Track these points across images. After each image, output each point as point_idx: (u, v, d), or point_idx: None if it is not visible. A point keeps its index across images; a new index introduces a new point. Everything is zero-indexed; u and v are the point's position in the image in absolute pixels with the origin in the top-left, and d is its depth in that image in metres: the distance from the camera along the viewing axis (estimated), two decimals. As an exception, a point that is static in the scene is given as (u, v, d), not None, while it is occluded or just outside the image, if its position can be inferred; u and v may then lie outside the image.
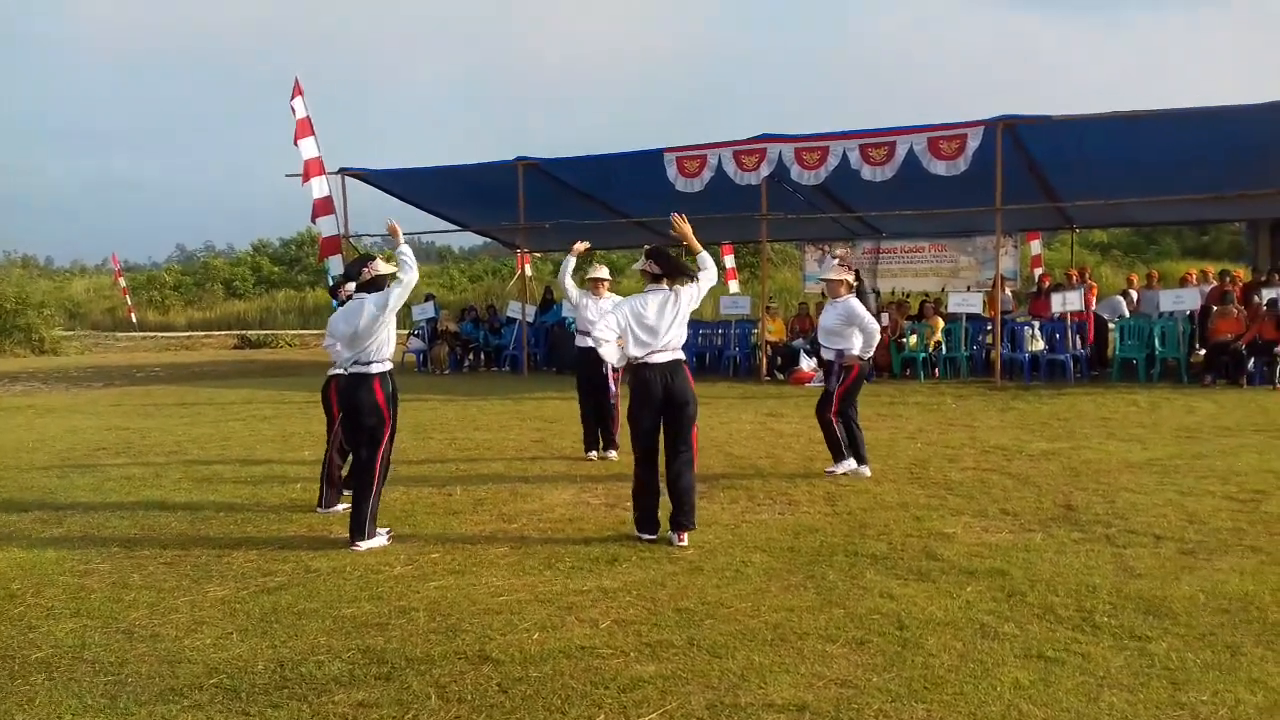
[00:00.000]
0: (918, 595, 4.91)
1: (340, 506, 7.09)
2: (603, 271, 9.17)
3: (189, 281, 51.68)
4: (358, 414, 6.30)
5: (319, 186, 18.08)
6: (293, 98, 17.93)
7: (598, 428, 9.12)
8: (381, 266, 6.39)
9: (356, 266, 6.46)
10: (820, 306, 18.44)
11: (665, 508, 6.12)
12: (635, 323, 6.06)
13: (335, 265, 18.63)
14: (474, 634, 4.53)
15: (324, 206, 18.15)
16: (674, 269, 6.20)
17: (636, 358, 6.06)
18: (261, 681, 4.07)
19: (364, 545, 6.10)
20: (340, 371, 6.80)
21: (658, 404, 6.03)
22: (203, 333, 39.54)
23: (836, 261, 8.30)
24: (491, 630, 4.56)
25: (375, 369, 6.26)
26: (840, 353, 7.95)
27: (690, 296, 6.18)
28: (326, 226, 18.32)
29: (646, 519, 6.13)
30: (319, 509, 7.15)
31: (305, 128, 17.96)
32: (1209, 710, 3.55)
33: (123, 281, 42.79)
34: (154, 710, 3.82)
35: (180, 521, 6.93)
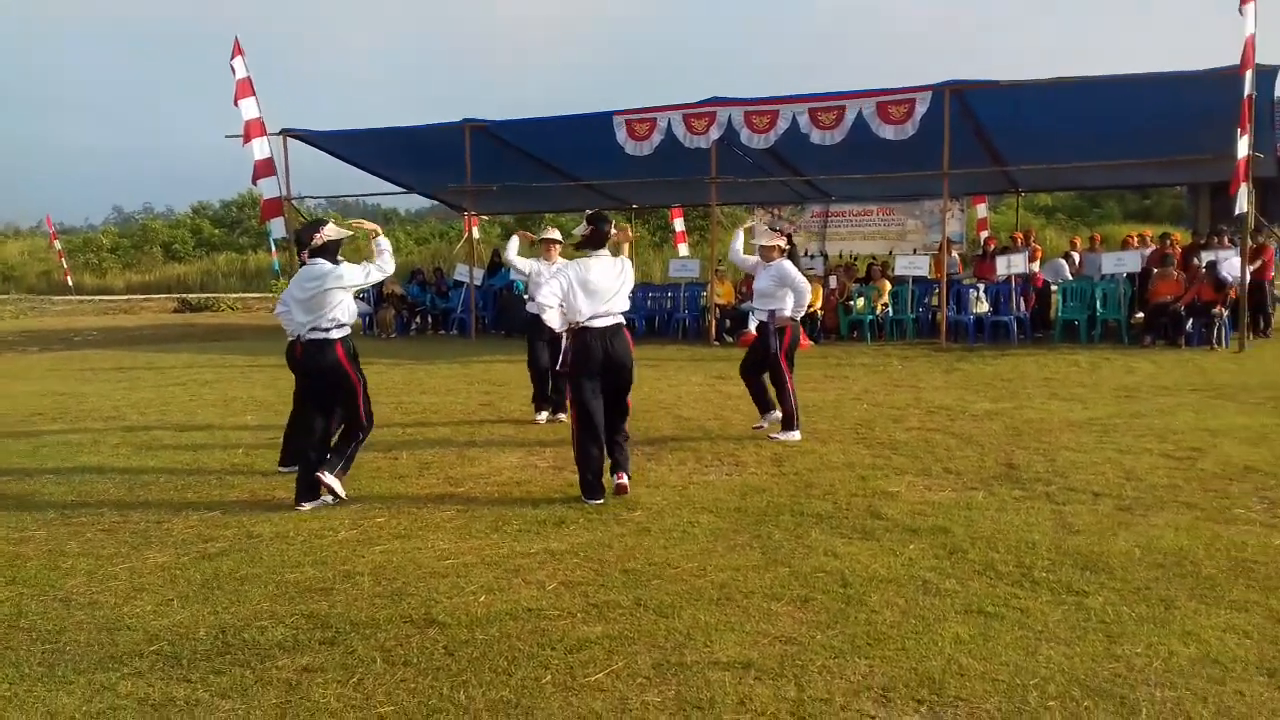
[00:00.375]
0: (861, 553, 4.96)
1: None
2: (554, 233, 9.08)
3: (127, 244, 50.50)
4: (322, 379, 6.28)
5: (260, 148, 17.76)
6: (232, 57, 17.55)
7: (548, 388, 9.07)
8: (331, 231, 6.31)
9: (307, 233, 6.34)
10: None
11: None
12: (579, 287, 6.11)
13: (277, 228, 18.37)
14: (420, 597, 4.50)
15: (265, 168, 17.83)
16: (605, 237, 6.29)
17: (579, 322, 6.13)
18: (203, 648, 4.01)
19: (327, 477, 6.14)
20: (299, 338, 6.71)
21: (598, 367, 6.13)
22: (142, 296, 38.75)
23: (765, 226, 8.43)
24: (438, 593, 4.54)
25: (335, 334, 6.22)
26: (772, 314, 7.98)
27: (630, 279, 6.33)
28: (268, 188, 18.02)
29: (593, 485, 6.15)
30: (280, 468, 7.10)
31: (245, 88, 17.60)
32: (1143, 662, 3.63)
33: (58, 244, 41.67)
34: (93, 679, 3.75)
35: (119, 488, 6.81)
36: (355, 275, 6.23)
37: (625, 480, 6.22)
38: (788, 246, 8.32)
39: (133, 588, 4.76)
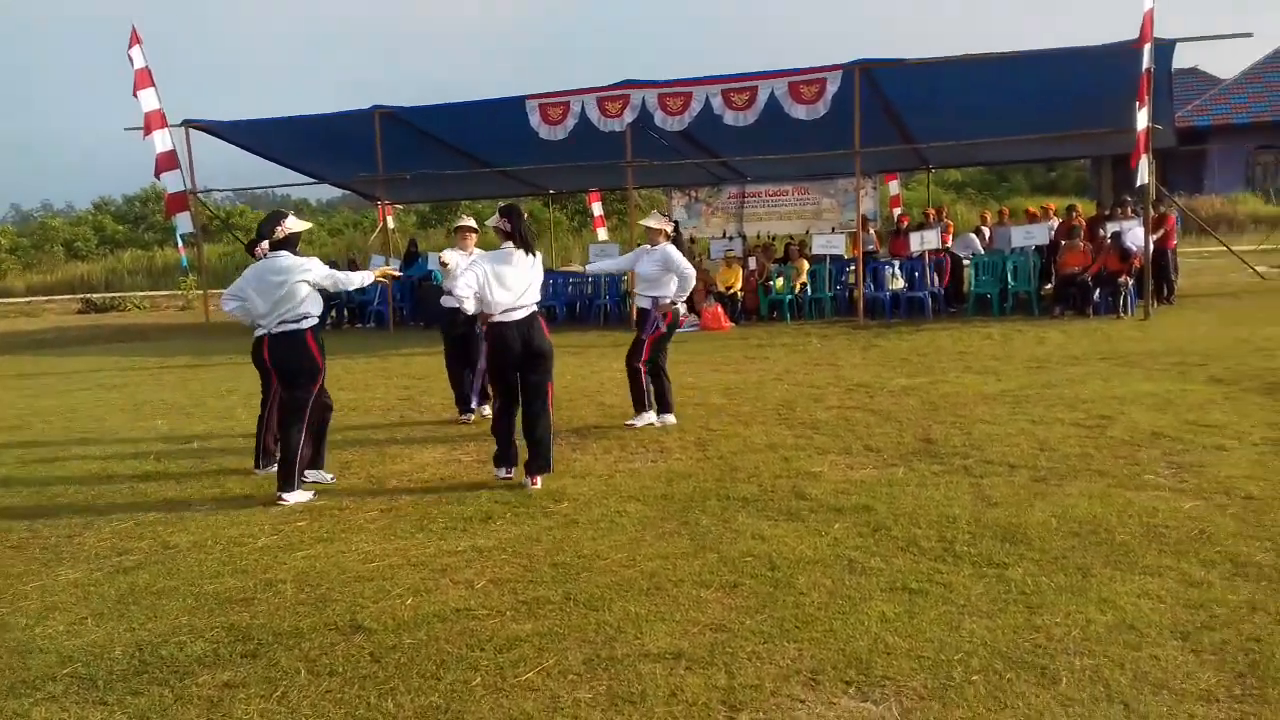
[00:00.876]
0: (788, 535, 5.01)
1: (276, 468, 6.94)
2: (469, 221, 8.92)
3: (26, 244, 48.73)
4: (295, 369, 6.28)
5: (161, 140, 17.26)
6: (130, 46, 16.98)
7: (472, 386, 8.90)
8: (293, 224, 6.36)
9: (270, 224, 6.34)
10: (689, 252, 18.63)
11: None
12: (495, 280, 6.18)
13: (183, 223, 17.88)
14: (344, 603, 4.42)
15: (167, 161, 17.34)
16: (522, 235, 6.34)
17: (493, 316, 6.23)
18: (120, 668, 3.89)
19: (290, 498, 6.14)
20: (266, 332, 6.69)
21: (516, 358, 6.26)
22: (44, 298, 37.43)
23: (656, 211, 8.44)
24: (363, 598, 4.46)
25: (307, 324, 6.27)
26: (655, 300, 7.97)
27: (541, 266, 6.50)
28: (171, 182, 17.53)
29: (503, 455, 6.38)
30: (255, 470, 7.00)
31: (145, 78, 17.08)
32: (1062, 631, 3.73)
33: (-48, 246, 40.05)
34: (4, 706, 3.61)
35: (26, 501, 6.57)
36: (320, 272, 6.27)
37: (537, 485, 6.22)
38: (673, 233, 8.35)
39: (45, 607, 4.60)
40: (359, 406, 9.61)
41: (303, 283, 6.20)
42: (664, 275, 7.93)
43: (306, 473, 6.47)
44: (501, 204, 6.72)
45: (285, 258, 6.24)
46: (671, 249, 8.00)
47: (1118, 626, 3.75)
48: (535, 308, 6.34)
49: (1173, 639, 3.63)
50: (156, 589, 4.74)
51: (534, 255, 6.37)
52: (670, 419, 7.96)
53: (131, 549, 5.40)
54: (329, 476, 6.71)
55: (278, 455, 6.42)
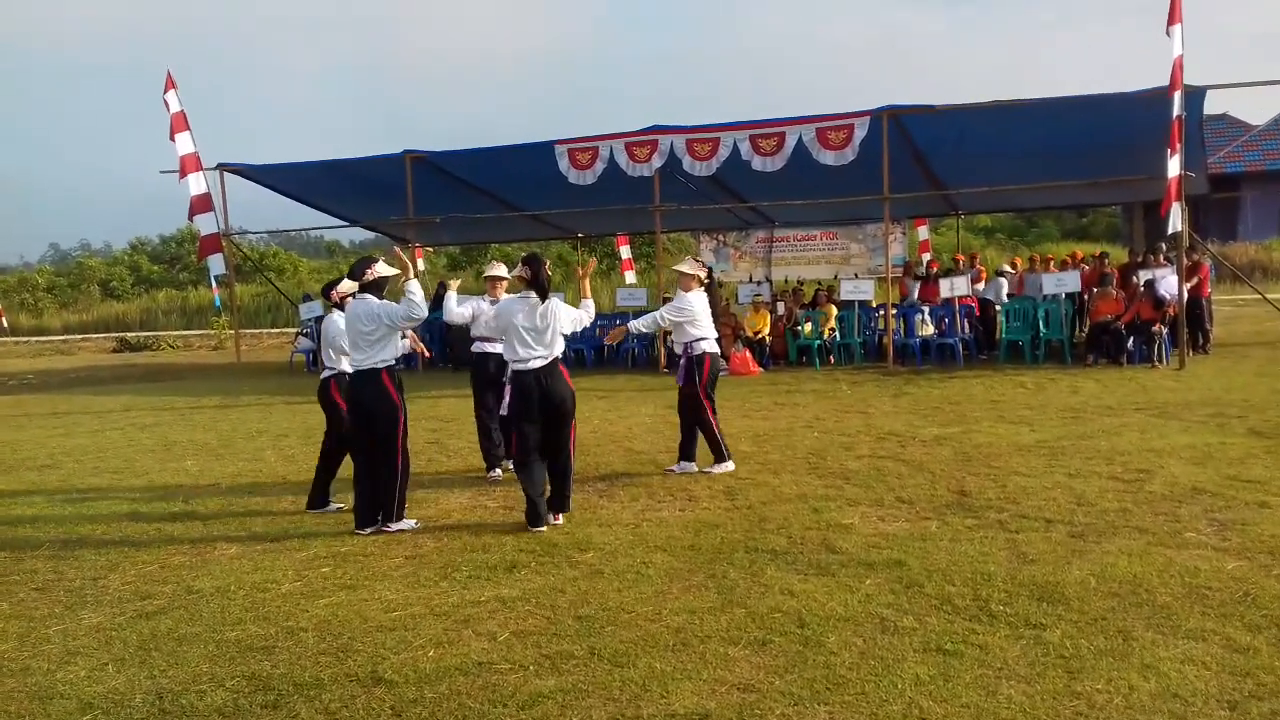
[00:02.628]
0: (818, 591, 4.90)
1: (332, 508, 7.16)
2: (500, 269, 8.90)
3: (63, 283, 49.45)
4: (370, 409, 6.40)
5: (196, 183, 17.48)
6: (165, 91, 17.27)
7: (500, 440, 8.73)
8: (382, 269, 6.53)
9: (360, 268, 6.52)
10: (726, 298, 18.60)
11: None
12: (508, 328, 6.41)
13: (215, 264, 18.04)
14: (366, 654, 4.35)
15: (202, 204, 17.54)
16: (540, 283, 6.46)
17: (511, 363, 6.41)
18: (139, 716, 3.85)
19: (394, 526, 6.39)
20: (335, 372, 7.16)
21: (536, 406, 6.35)
22: (79, 336, 37.87)
23: (689, 256, 8.42)
24: (384, 649, 4.39)
25: (382, 363, 6.40)
26: (689, 345, 7.90)
27: (570, 317, 6.59)
28: (205, 224, 17.72)
29: (537, 513, 6.31)
30: (309, 509, 7.15)
31: (180, 122, 17.33)
32: (1104, 699, 3.60)
33: (-9, 285, 40.69)
34: (19, 755, 3.57)
35: (53, 542, 6.56)
36: (397, 316, 6.36)
37: (559, 521, 6.39)
38: (707, 278, 8.33)
39: (66, 651, 4.57)
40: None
41: (388, 327, 6.37)
42: (684, 322, 7.90)
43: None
44: (524, 253, 6.79)
45: (372, 301, 6.42)
46: (690, 298, 7.89)
47: (1162, 694, 3.61)
48: (556, 355, 6.41)
49: (1220, 709, 3.50)
50: (178, 635, 4.70)
51: (555, 309, 6.44)
52: (692, 467, 7.89)
53: (155, 593, 5.37)
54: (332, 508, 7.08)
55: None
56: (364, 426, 6.48)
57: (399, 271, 6.55)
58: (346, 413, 6.92)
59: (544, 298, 6.43)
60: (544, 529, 6.24)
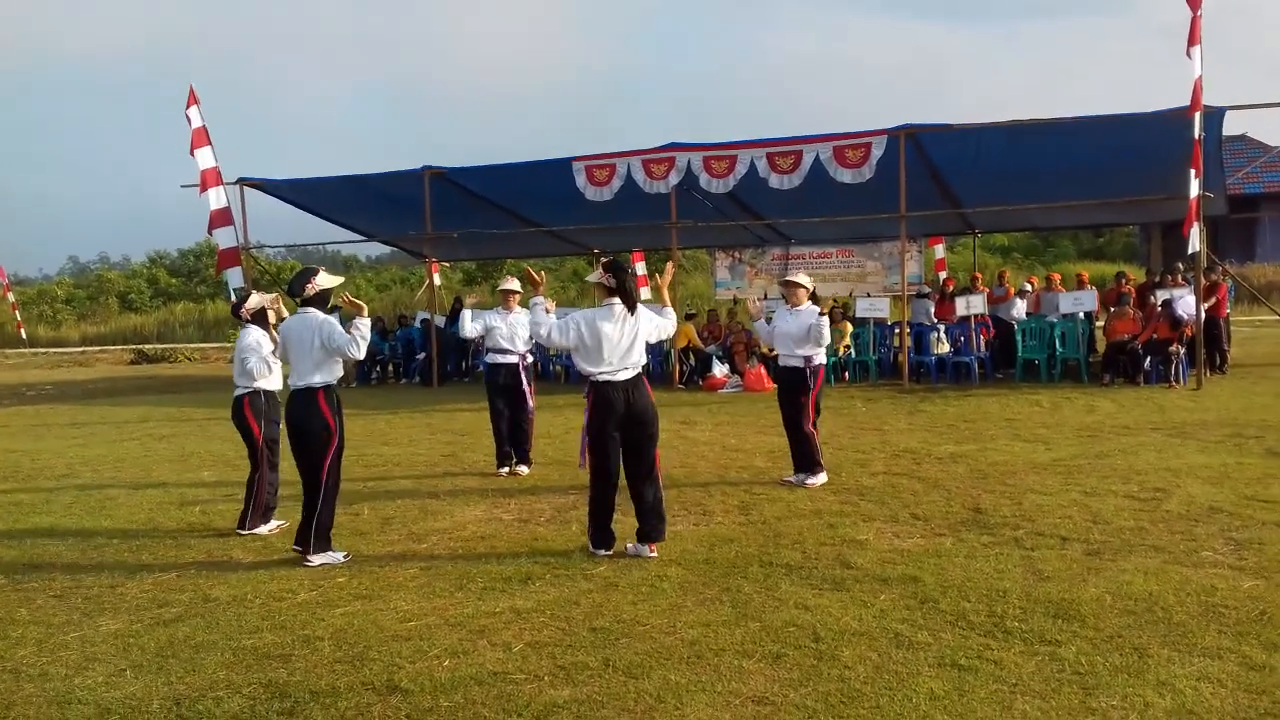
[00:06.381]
0: (832, 605, 4.90)
1: (264, 528, 6.97)
2: (513, 284, 9.03)
3: (82, 295, 49.91)
4: (305, 429, 6.10)
5: (216, 197, 17.61)
6: (188, 107, 17.44)
7: (511, 443, 8.92)
8: (324, 280, 6.22)
9: (300, 283, 6.19)
10: (732, 314, 18.63)
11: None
12: (590, 336, 5.93)
13: (234, 278, 18.15)
14: (382, 663, 4.37)
15: (221, 218, 17.67)
16: (628, 292, 6.03)
17: (595, 375, 5.94)
18: (156, 722, 3.87)
19: (316, 560, 5.99)
20: (247, 390, 6.99)
21: (620, 421, 5.94)
22: (97, 348, 38.17)
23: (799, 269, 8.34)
24: (400, 658, 4.41)
25: (318, 382, 6.10)
26: (807, 359, 7.91)
27: (653, 326, 6.15)
28: (224, 238, 17.85)
29: (604, 536, 6.04)
30: (239, 530, 6.94)
31: (201, 137, 17.48)
32: (1120, 715, 3.59)
33: (12, 296, 40.84)
34: (38, 758, 3.59)
35: (71, 550, 6.62)
36: (334, 344, 6.05)
37: (654, 554, 5.94)
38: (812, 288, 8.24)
39: (84, 658, 4.61)
40: (402, 461, 9.63)
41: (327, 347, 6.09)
42: (807, 337, 7.87)
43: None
44: (604, 259, 6.49)
45: (314, 315, 6.16)
46: (814, 311, 7.89)
47: (1177, 712, 3.60)
48: (640, 369, 6.04)
49: (1236, 726, 3.48)
50: (196, 642, 4.73)
51: (641, 318, 6.05)
52: (822, 478, 7.86)
53: (172, 601, 5.41)
54: (265, 528, 6.97)
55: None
56: (297, 448, 6.18)
57: (340, 280, 6.33)
58: (260, 434, 6.90)
59: (632, 309, 5.99)
60: (607, 552, 5.98)
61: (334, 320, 6.21)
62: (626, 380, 5.94)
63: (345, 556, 6.12)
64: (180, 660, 4.51)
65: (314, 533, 6.06)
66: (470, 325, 8.77)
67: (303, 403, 6.11)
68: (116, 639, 4.84)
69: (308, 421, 6.09)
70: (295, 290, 6.20)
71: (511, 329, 8.80)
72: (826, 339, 7.87)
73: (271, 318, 7.04)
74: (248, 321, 7.01)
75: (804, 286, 8.01)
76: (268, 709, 3.94)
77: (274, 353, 6.75)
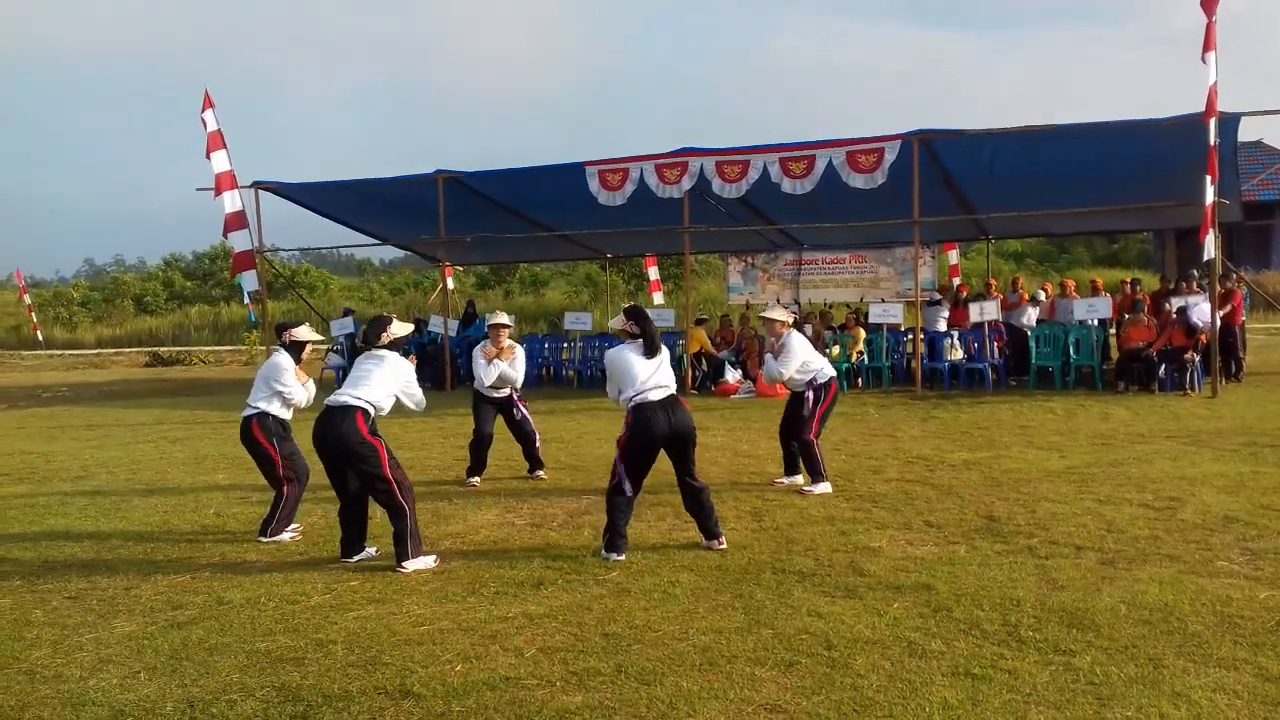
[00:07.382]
0: (845, 613, 4.89)
1: (286, 535, 6.90)
2: (502, 317, 8.92)
3: (98, 297, 50.16)
4: (343, 449, 6.07)
5: (231, 201, 17.69)
6: (203, 110, 17.53)
7: (524, 456, 8.99)
8: (397, 329, 6.46)
9: (375, 331, 6.44)
10: (744, 319, 18.62)
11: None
12: (623, 372, 6.17)
13: (249, 281, 18.25)
14: (394, 667, 4.38)
15: (236, 221, 17.76)
16: (652, 339, 6.23)
17: (631, 398, 6.09)
18: (169, 724, 3.88)
19: (410, 565, 5.94)
20: (255, 411, 7.08)
21: (662, 439, 6.08)
22: (112, 350, 38.33)
23: (775, 302, 8.45)
24: (413, 662, 4.43)
25: (354, 402, 6.13)
26: (809, 383, 7.99)
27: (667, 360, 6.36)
28: (239, 241, 17.93)
29: (620, 542, 6.11)
30: (260, 538, 6.83)
31: (217, 141, 17.57)
32: (1134, 725, 3.57)
33: (28, 298, 41.15)
34: (53, 760, 3.61)
35: (86, 552, 6.65)
36: (419, 396, 6.60)
37: (723, 545, 6.19)
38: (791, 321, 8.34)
39: (99, 659, 4.63)
40: (415, 465, 9.64)
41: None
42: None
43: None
44: (626, 305, 6.67)
45: (390, 360, 6.40)
46: (792, 339, 7.97)
47: (1193, 722, 3.58)
48: (674, 388, 6.21)
49: (1252, 738, 3.46)
50: (209, 645, 4.75)
51: (660, 356, 6.23)
52: (825, 487, 7.86)
53: (186, 603, 5.43)
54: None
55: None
56: (336, 464, 6.19)
57: (411, 329, 6.58)
58: (276, 453, 6.92)
59: (654, 355, 6.20)
60: (621, 558, 6.03)
61: (410, 373, 6.44)
62: (664, 399, 6.09)
63: (435, 560, 6.09)
64: (194, 663, 4.53)
65: (409, 539, 5.99)
66: (488, 371, 8.76)
67: (338, 419, 6.08)
68: (131, 641, 4.86)
69: (346, 438, 6.04)
70: (370, 338, 6.42)
71: (489, 373, 8.78)
72: (780, 372, 7.95)
73: (306, 352, 7.25)
74: (285, 345, 7.11)
75: (779, 320, 8.09)
76: (280, 712, 3.96)
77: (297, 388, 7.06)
